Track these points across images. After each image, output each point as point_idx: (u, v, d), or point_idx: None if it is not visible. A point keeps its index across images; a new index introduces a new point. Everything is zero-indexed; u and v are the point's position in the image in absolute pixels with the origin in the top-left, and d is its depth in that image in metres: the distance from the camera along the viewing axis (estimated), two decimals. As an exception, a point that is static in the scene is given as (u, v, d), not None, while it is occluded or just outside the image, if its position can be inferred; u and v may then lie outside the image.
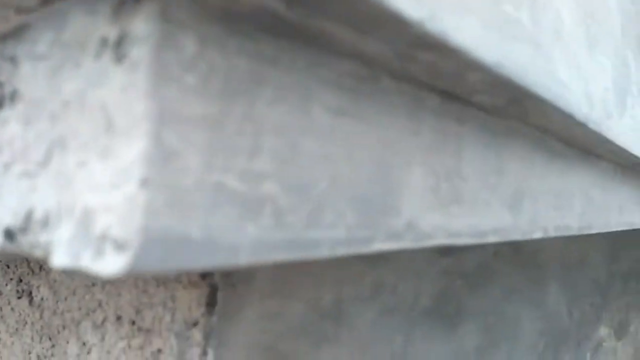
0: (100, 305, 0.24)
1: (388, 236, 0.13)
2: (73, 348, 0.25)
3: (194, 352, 0.19)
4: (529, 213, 0.22)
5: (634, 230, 0.86)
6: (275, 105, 0.10)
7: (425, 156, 0.15)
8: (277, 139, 0.10)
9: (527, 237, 0.22)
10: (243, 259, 0.09)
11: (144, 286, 0.22)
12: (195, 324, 0.20)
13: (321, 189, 0.11)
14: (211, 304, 0.19)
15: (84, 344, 0.25)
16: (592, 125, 0.22)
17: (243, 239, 0.09)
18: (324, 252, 0.11)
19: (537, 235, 0.23)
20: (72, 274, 0.25)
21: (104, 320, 0.24)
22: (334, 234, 0.12)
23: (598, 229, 0.31)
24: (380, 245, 0.13)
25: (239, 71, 0.09)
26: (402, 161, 0.14)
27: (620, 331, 0.79)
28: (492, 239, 0.19)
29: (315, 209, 0.11)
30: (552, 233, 0.24)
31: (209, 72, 0.09)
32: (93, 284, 0.25)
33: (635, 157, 0.34)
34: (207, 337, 0.19)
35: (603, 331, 0.70)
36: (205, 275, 0.20)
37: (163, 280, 0.21)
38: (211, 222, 0.09)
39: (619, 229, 0.37)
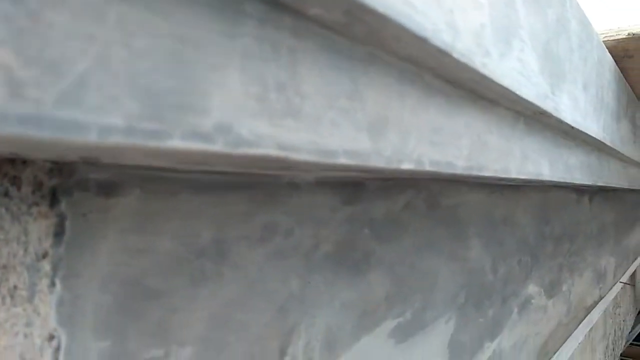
0: (-36, 248, 0.23)
1: (191, 135, 0.13)
2: (-59, 295, 0.24)
3: (44, 284, 0.19)
4: (395, 143, 0.22)
5: (565, 194, 0.89)
6: (5, -32, 0.09)
7: (246, 62, 0.15)
8: (13, 7, 0.09)
9: (395, 166, 0.22)
10: (-41, 123, 0.09)
11: (1, 222, 0.21)
12: (44, 255, 0.19)
13: (82, 68, 0.11)
14: (59, 234, 0.19)
15: (-49, 290, 0.24)
16: (457, 56, 0.22)
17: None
18: (92, 137, 0.11)
19: (408, 166, 0.23)
20: None
21: (-32, 263, 0.23)
22: (105, 120, 0.11)
23: (492, 173, 0.32)
24: (181, 143, 0.13)
25: None
26: (212, 62, 0.14)
27: (551, 290, 0.83)
28: (344, 160, 0.19)
29: (74, 89, 0.11)
30: (428, 167, 0.25)
31: None
32: (-42, 228, 0.24)
33: (535, 105, 0.35)
34: (55, 268, 0.19)
35: (532, 289, 0.73)
36: (53, 205, 0.19)
37: (17, 215, 0.20)
38: None
39: (522, 177, 0.38)
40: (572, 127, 0.45)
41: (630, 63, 0.72)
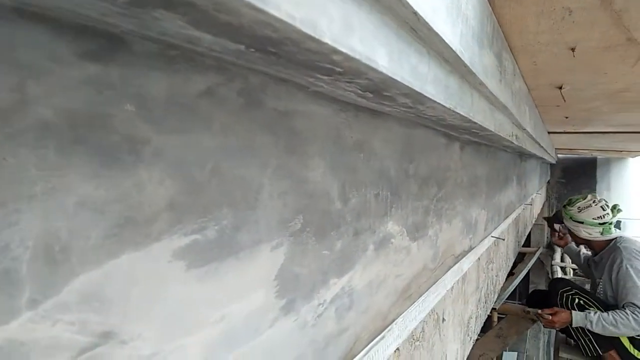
0: None
1: None
2: None
3: None
4: None
5: (432, 135, 0.86)
6: None
7: None
8: None
9: None
10: None
11: None
12: None
13: None
14: None
15: None
16: None
17: None
18: None
19: None
20: None
21: None
22: None
23: (284, 16, 0.24)
24: None
25: None
26: None
27: (415, 232, 0.79)
28: None
29: None
30: None
31: None
32: None
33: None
34: None
35: (393, 227, 0.68)
36: None
37: None
38: None
39: (343, 50, 0.30)
40: (417, 16, 0.38)
41: (495, -10, 0.68)
